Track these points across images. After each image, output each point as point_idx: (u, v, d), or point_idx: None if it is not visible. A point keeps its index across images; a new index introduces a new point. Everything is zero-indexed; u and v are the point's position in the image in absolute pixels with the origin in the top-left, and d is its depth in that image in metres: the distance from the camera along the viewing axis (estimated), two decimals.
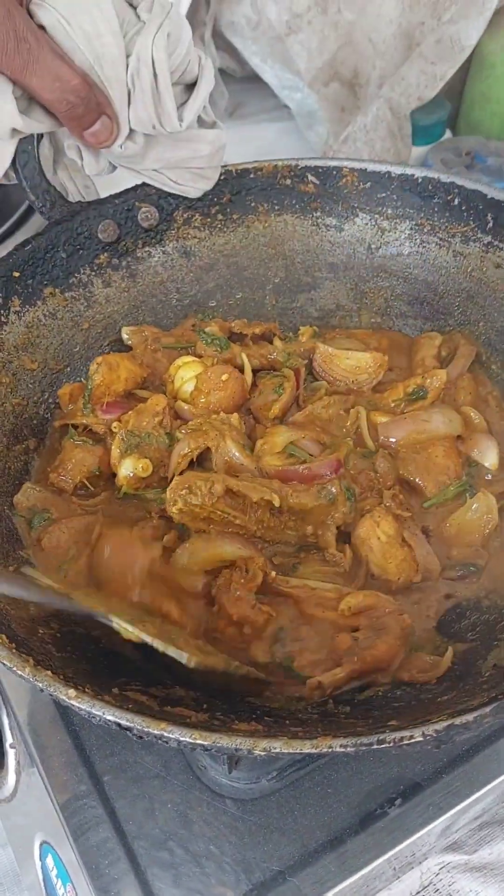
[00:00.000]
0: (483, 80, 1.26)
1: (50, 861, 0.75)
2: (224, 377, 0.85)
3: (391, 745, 0.52)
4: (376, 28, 1.27)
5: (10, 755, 0.78)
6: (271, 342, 0.94)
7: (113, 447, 0.81)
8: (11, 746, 0.77)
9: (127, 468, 0.80)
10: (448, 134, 1.31)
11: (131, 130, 0.80)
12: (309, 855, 0.70)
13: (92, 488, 0.82)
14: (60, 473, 0.82)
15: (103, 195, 0.90)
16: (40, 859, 0.76)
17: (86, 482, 0.82)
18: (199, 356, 0.89)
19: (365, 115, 1.23)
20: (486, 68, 1.25)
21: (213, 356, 0.88)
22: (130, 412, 0.83)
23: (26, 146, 0.81)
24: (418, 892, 0.81)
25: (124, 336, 0.92)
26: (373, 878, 0.74)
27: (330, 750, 0.52)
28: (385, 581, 0.76)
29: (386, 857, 0.70)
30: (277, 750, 0.52)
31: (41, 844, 0.76)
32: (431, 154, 1.20)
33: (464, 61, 1.21)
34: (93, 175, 0.86)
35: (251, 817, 0.72)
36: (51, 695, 0.55)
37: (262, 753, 0.52)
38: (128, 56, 0.76)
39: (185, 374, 0.86)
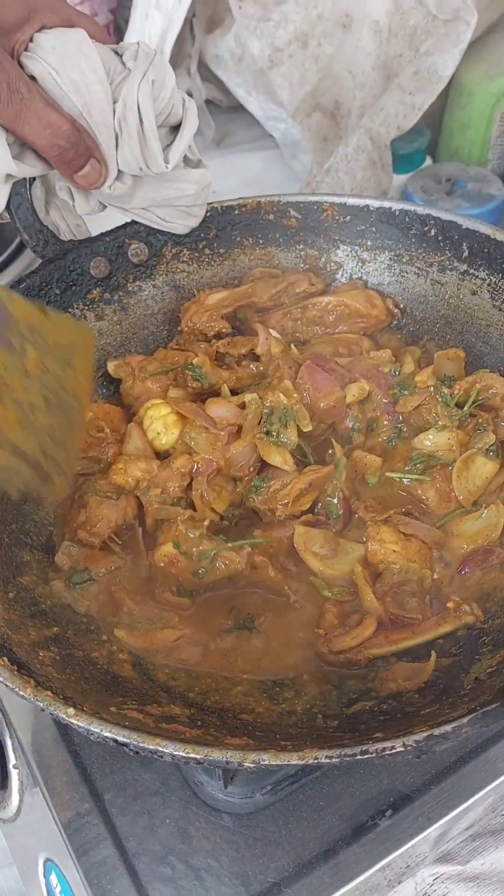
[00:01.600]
0: (462, 108, 1.32)
1: (54, 878, 0.78)
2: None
3: (374, 755, 0.56)
4: (355, 61, 1.32)
5: (14, 775, 0.81)
6: (258, 359, 0.99)
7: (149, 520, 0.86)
8: (15, 767, 0.81)
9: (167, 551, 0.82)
10: (428, 161, 1.37)
11: (120, 172, 0.84)
12: (303, 866, 0.74)
13: (119, 541, 0.85)
14: (88, 530, 0.84)
15: (94, 233, 0.94)
16: (44, 877, 0.80)
17: (113, 536, 0.85)
18: (186, 387, 0.93)
19: (346, 145, 1.28)
20: (465, 97, 1.30)
21: (196, 388, 0.93)
22: (157, 470, 0.86)
23: (20, 189, 0.86)
24: None
25: (110, 369, 0.97)
26: (366, 888, 0.77)
27: (316, 761, 0.56)
28: (419, 579, 0.80)
29: (378, 866, 0.74)
30: (266, 762, 0.56)
31: (45, 862, 0.80)
32: (412, 181, 1.25)
33: (441, 91, 1.27)
34: (84, 215, 0.90)
35: (247, 831, 0.76)
36: (51, 714, 0.59)
37: (252, 766, 0.56)
38: (115, 102, 0.81)
39: (156, 421, 0.89)
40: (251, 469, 0.86)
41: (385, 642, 0.75)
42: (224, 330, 0.99)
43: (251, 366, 0.96)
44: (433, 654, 0.72)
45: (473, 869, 0.86)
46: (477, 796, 0.78)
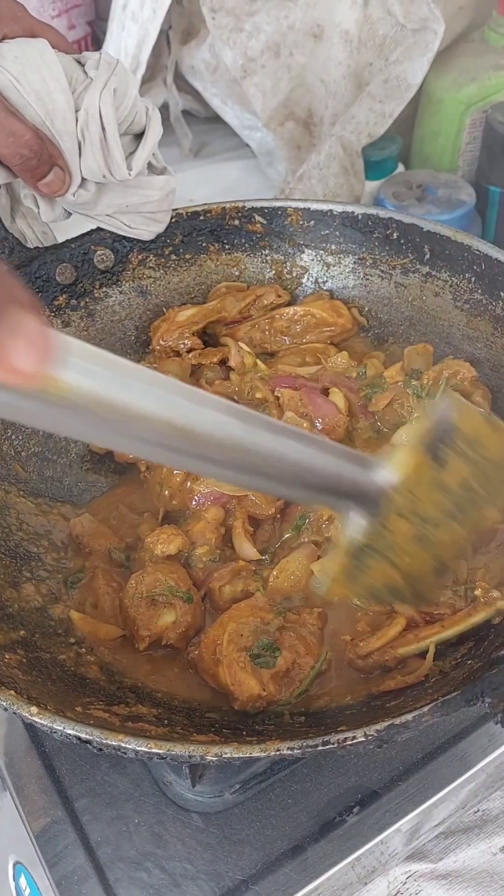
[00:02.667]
0: (432, 115, 1.35)
1: (23, 881, 0.79)
2: None
3: (335, 745, 0.58)
4: (327, 70, 1.35)
5: None
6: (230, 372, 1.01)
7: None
8: None
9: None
10: (400, 168, 1.39)
11: (83, 179, 0.87)
12: (271, 863, 0.75)
13: None
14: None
15: (61, 240, 0.97)
16: (14, 880, 0.81)
17: None
18: None
19: (319, 152, 1.31)
20: (434, 105, 1.33)
21: None
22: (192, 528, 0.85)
23: None
24: None
25: None
26: (336, 884, 0.79)
27: (278, 753, 0.57)
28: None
29: (346, 862, 0.75)
30: (228, 755, 0.57)
31: (14, 865, 0.81)
32: (384, 188, 1.27)
33: (412, 99, 1.29)
34: (49, 222, 0.92)
35: (217, 829, 0.77)
36: (14, 713, 0.61)
37: (214, 759, 0.57)
38: (77, 110, 0.83)
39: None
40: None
41: (413, 640, 0.73)
42: (195, 346, 1.00)
43: (226, 383, 0.98)
44: (431, 645, 0.72)
45: (446, 867, 0.87)
46: (444, 792, 0.79)
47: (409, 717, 0.58)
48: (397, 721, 0.58)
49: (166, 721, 0.68)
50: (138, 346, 1.04)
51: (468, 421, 0.60)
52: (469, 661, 0.69)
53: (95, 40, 1.82)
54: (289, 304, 1.04)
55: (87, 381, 0.46)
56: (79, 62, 0.86)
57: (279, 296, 1.03)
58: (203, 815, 0.78)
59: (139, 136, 0.90)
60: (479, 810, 0.91)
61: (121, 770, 0.81)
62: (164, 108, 1.63)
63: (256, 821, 0.77)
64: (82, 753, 0.82)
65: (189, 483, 0.87)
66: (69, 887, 0.74)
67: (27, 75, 0.80)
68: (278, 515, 0.86)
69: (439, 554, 0.62)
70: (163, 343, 1.00)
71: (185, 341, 0.99)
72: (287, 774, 0.80)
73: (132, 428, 0.49)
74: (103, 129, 0.84)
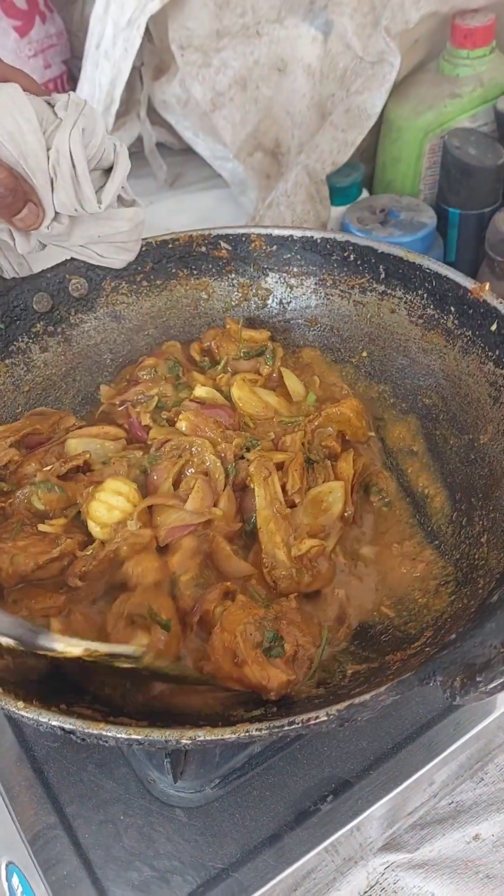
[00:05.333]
0: (392, 142, 1.43)
1: (16, 881, 0.85)
2: None
3: (300, 725, 0.63)
4: (292, 101, 1.43)
5: None
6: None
7: None
8: None
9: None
10: (365, 193, 1.47)
11: (56, 213, 0.93)
12: (250, 851, 0.81)
13: None
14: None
15: (37, 270, 1.04)
16: (7, 880, 0.86)
17: None
18: None
19: (286, 181, 1.39)
20: (395, 132, 1.41)
21: None
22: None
23: None
24: (366, 892, 0.91)
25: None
26: (317, 876, 0.84)
27: (247, 734, 0.63)
28: None
29: (321, 846, 0.81)
30: (202, 738, 0.63)
31: (7, 865, 0.86)
32: (349, 213, 1.35)
33: (373, 127, 1.37)
34: (24, 254, 0.99)
35: (198, 822, 0.83)
36: (2, 708, 0.66)
37: (188, 742, 0.63)
38: (48, 149, 0.90)
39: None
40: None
41: None
42: (14, 458, 0.96)
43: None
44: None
45: (422, 856, 0.93)
46: (413, 778, 0.85)
47: (366, 696, 0.64)
48: (356, 701, 0.64)
49: (147, 716, 0.73)
50: (113, 370, 1.11)
51: None
52: (427, 649, 0.74)
53: (71, 77, 1.90)
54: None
55: None
56: (49, 103, 0.93)
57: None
58: (186, 810, 0.83)
59: (108, 171, 0.97)
60: (452, 801, 0.97)
61: (108, 773, 0.86)
62: (139, 141, 1.70)
63: (236, 813, 0.83)
64: (70, 757, 0.88)
65: (155, 517, 0.90)
66: (63, 890, 0.80)
67: (1, 119, 0.87)
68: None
69: None
70: None
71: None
72: (264, 769, 0.86)
73: None
74: (73, 166, 0.90)
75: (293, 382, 1.06)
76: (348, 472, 0.94)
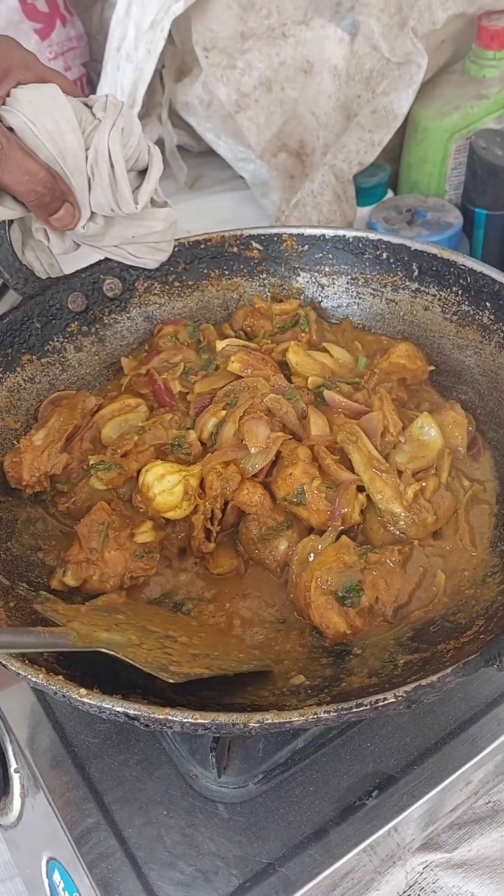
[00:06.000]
0: (418, 143, 1.44)
1: (57, 876, 0.86)
2: None
3: (368, 707, 0.64)
4: (317, 102, 1.45)
5: (16, 780, 0.89)
6: None
7: None
8: (16, 771, 0.89)
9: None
10: (390, 193, 1.48)
11: (92, 213, 0.95)
12: (296, 846, 0.81)
13: None
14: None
15: (68, 271, 1.05)
16: (47, 877, 0.87)
17: None
18: None
19: (312, 181, 1.40)
20: (420, 133, 1.43)
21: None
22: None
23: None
24: (405, 892, 0.92)
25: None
26: (353, 871, 0.85)
27: (315, 717, 0.64)
28: None
29: (367, 842, 0.81)
30: (269, 721, 0.63)
31: (48, 861, 0.87)
32: (375, 213, 1.37)
33: (398, 128, 1.39)
34: (59, 254, 1.01)
35: (242, 818, 0.83)
36: (63, 696, 0.67)
37: (256, 725, 0.63)
38: (87, 149, 0.92)
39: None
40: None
41: None
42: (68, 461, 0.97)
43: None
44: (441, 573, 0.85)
45: (460, 856, 0.93)
46: (457, 774, 0.85)
47: (434, 678, 0.65)
48: (424, 682, 0.65)
49: (201, 706, 0.74)
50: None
51: None
52: (482, 636, 0.75)
53: (90, 81, 1.92)
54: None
55: None
56: (86, 104, 0.94)
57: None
58: (228, 806, 0.84)
59: (142, 173, 0.99)
60: (490, 801, 0.97)
61: (150, 770, 0.87)
62: (160, 144, 1.72)
63: (280, 808, 0.83)
64: (112, 753, 0.88)
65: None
66: (109, 885, 0.80)
67: (40, 118, 0.88)
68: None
69: None
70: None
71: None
72: (307, 764, 0.86)
73: None
74: (112, 166, 0.92)
75: (337, 351, 1.07)
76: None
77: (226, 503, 0.92)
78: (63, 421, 0.98)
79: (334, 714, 0.64)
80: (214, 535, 0.91)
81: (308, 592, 0.84)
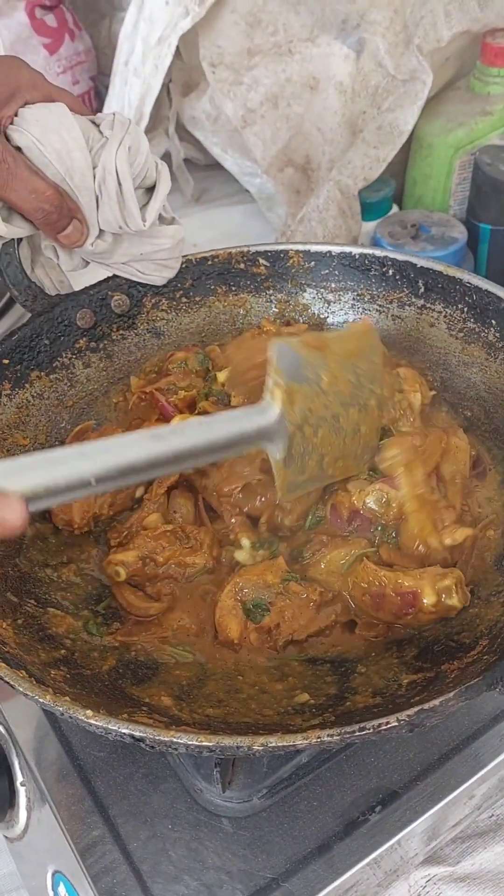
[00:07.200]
0: (423, 159, 1.45)
1: (62, 889, 0.87)
2: None
3: (371, 731, 0.64)
4: (323, 118, 1.46)
5: (21, 793, 0.90)
6: None
7: None
8: (22, 784, 0.90)
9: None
10: (395, 208, 1.50)
11: (100, 231, 0.96)
12: (299, 861, 0.82)
13: None
14: None
15: (77, 288, 1.06)
16: (52, 889, 0.88)
17: None
18: None
19: (317, 196, 1.41)
20: (425, 149, 1.44)
21: None
22: None
23: (8, 248, 0.97)
24: None
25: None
26: (357, 885, 0.86)
27: (319, 740, 0.64)
28: None
29: (370, 857, 0.82)
30: (273, 744, 0.64)
31: (53, 874, 0.88)
32: (380, 228, 1.38)
33: (403, 144, 1.40)
34: (68, 271, 1.02)
35: (246, 832, 0.84)
36: (70, 717, 0.67)
37: (260, 749, 0.64)
38: (94, 167, 0.92)
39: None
40: None
41: None
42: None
43: None
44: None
45: (463, 869, 0.94)
46: (460, 789, 0.86)
47: (436, 702, 0.66)
48: (426, 706, 0.66)
49: (206, 726, 0.74)
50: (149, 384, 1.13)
51: (307, 348, 0.83)
52: (485, 657, 0.76)
53: (98, 94, 1.94)
54: None
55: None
56: (94, 122, 0.95)
57: None
58: (232, 820, 0.85)
59: (150, 190, 1.00)
60: (493, 815, 0.98)
61: (155, 784, 0.88)
62: (166, 157, 1.74)
63: (284, 823, 0.84)
64: (118, 767, 0.89)
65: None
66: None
67: (48, 136, 0.89)
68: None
69: (349, 433, 0.86)
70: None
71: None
72: (311, 779, 0.87)
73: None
74: (119, 184, 0.93)
75: None
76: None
77: None
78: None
79: (337, 738, 0.64)
80: None
81: (221, 592, 0.87)
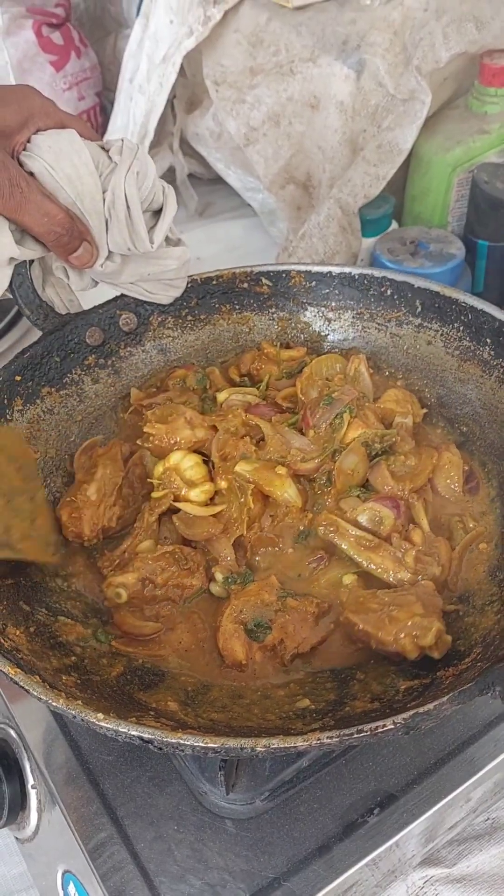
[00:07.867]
0: (422, 176, 1.49)
1: (72, 888, 0.90)
2: None
3: (368, 733, 0.68)
4: (324, 137, 1.50)
5: (33, 795, 0.93)
6: None
7: None
8: (33, 787, 0.93)
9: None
10: (394, 225, 1.53)
11: (110, 252, 0.99)
12: (300, 862, 0.85)
13: None
14: None
15: (87, 307, 1.10)
16: (63, 888, 0.91)
17: None
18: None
19: (318, 213, 1.45)
20: (424, 166, 1.47)
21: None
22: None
23: (20, 269, 1.01)
24: None
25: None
26: (355, 886, 0.89)
27: (318, 742, 0.67)
28: None
29: (369, 858, 0.85)
30: (275, 745, 0.67)
31: (63, 874, 0.91)
32: (379, 244, 1.41)
33: (403, 162, 1.44)
34: (78, 290, 1.06)
35: (248, 833, 0.87)
36: (82, 720, 0.71)
37: (262, 750, 0.67)
38: (104, 191, 0.96)
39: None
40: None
41: None
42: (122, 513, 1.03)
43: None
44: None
45: (460, 871, 0.97)
46: (456, 793, 0.89)
47: (431, 706, 0.69)
48: (421, 710, 0.69)
49: (211, 730, 0.77)
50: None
51: None
52: (479, 664, 0.79)
53: (103, 110, 1.98)
54: None
55: None
56: (103, 148, 0.99)
57: None
58: (236, 822, 0.87)
59: (157, 213, 1.03)
60: (489, 818, 1.01)
61: (162, 786, 0.91)
62: (171, 172, 1.77)
63: (285, 824, 0.87)
64: (126, 770, 0.92)
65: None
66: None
67: (60, 162, 0.92)
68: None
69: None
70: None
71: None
72: (312, 782, 0.90)
73: None
74: (128, 207, 0.96)
75: None
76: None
77: None
78: (110, 473, 1.02)
79: (336, 740, 0.67)
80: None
81: (221, 617, 0.90)
